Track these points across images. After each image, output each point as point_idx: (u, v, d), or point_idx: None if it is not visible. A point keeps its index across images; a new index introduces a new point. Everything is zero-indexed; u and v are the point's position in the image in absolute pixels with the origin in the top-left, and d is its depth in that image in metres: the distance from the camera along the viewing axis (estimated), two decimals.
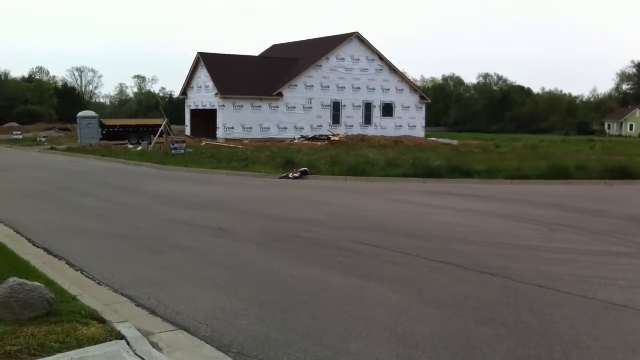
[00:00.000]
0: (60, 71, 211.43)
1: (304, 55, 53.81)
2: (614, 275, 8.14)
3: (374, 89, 54.00)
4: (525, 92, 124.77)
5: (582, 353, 5.42)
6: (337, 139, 45.26)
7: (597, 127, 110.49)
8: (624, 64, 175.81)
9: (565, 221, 12.73)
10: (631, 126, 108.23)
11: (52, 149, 41.15)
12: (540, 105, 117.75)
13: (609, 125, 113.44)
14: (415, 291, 7.40)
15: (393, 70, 55.08)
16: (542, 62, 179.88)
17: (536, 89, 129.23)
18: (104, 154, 34.03)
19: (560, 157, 28.98)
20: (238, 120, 49.29)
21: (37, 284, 6.03)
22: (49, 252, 9.30)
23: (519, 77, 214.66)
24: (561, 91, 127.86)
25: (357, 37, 53.29)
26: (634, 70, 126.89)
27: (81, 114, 47.56)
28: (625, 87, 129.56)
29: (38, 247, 9.67)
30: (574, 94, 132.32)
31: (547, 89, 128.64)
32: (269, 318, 6.35)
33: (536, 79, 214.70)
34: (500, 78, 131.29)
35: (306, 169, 22.48)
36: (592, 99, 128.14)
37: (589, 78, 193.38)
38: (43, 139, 51.75)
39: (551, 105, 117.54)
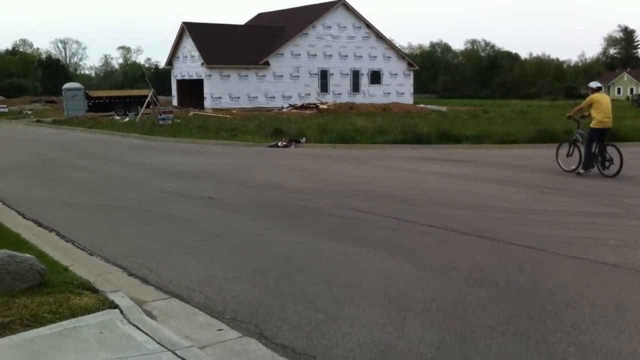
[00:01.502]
0: (44, 43, 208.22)
1: (290, 24, 53.33)
2: (604, 236, 8.19)
3: (361, 57, 53.72)
4: (512, 58, 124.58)
5: (573, 311, 5.47)
6: (325, 107, 45.09)
7: (585, 92, 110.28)
8: (611, 28, 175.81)
9: (554, 184, 12.78)
10: (619, 89, 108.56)
11: (38, 121, 40.78)
12: (528, 71, 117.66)
13: None
14: (407, 255, 7.42)
15: (380, 37, 54.77)
16: (529, 27, 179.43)
17: (524, 54, 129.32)
18: (91, 126, 33.76)
19: (549, 121, 28.99)
20: (225, 90, 48.97)
21: (27, 255, 6.00)
22: (39, 224, 9.25)
23: (506, 42, 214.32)
24: (549, 56, 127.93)
25: (343, 4, 52.82)
26: (621, 34, 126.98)
27: (66, 85, 47.05)
28: (612, 51, 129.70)
29: (28, 219, 9.62)
30: (562, 58, 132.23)
31: (534, 54, 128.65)
32: (261, 284, 6.36)
33: (524, 45, 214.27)
34: (487, 44, 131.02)
35: (298, 138, 22.44)
36: (579, 64, 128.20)
37: (577, 43, 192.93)
38: (29, 112, 51.27)
39: (539, 70, 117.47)
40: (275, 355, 4.72)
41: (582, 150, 14.33)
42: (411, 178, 14.18)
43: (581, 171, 14.22)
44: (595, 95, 14.30)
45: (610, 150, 13.94)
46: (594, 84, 14.71)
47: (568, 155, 14.82)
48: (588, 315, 5.38)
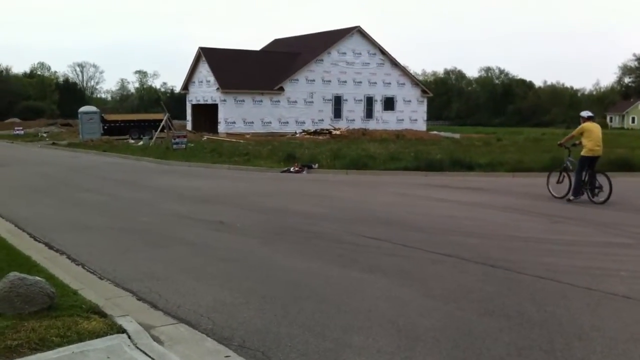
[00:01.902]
0: (61, 66, 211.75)
1: (305, 50, 53.76)
2: (615, 267, 8.12)
3: (375, 83, 53.98)
4: (527, 86, 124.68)
5: (584, 343, 5.40)
6: (338, 132, 45.22)
7: (599, 120, 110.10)
8: (626, 56, 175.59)
9: (566, 213, 12.71)
10: (633, 119, 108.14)
11: (53, 144, 41.17)
12: (542, 99, 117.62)
13: (611, 118, 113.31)
14: (417, 283, 7.38)
15: (394, 64, 55.03)
16: (544, 55, 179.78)
17: (538, 82, 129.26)
18: (105, 149, 34.03)
19: (563, 150, 28.88)
20: (239, 115, 49.28)
21: (37, 278, 6.02)
22: (50, 247, 9.29)
23: (520, 70, 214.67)
24: (563, 84, 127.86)
25: (358, 31, 53.24)
26: (636, 63, 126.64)
27: (82, 109, 47.55)
28: (627, 80, 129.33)
29: (39, 242, 9.67)
30: (576, 87, 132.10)
31: (549, 82, 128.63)
32: (270, 311, 6.34)
33: (538, 73, 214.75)
34: (502, 71, 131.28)
35: (310, 163, 22.48)
36: (594, 92, 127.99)
37: (591, 71, 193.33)
38: (44, 134, 51.81)
39: (553, 98, 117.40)
40: None
41: (572, 177, 14.69)
42: (423, 205, 14.14)
43: (571, 197, 14.55)
44: (587, 124, 14.63)
45: (600, 178, 14.30)
46: (585, 113, 15.01)
47: (558, 182, 15.21)
48: (599, 348, 5.31)
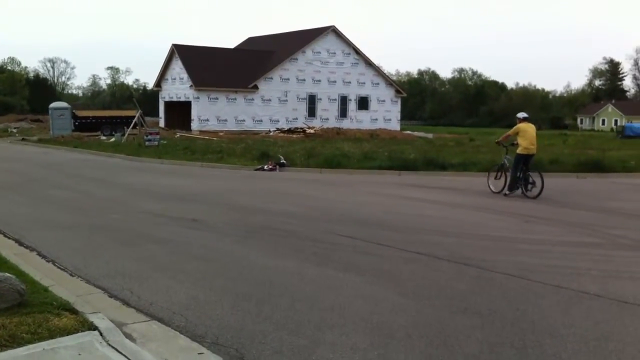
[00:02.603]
0: (32, 62, 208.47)
1: (279, 48, 53.67)
2: (587, 266, 8.23)
3: (350, 82, 54.07)
4: (499, 87, 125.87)
5: (556, 341, 5.47)
6: (312, 131, 45.22)
7: (570, 122, 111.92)
8: (597, 59, 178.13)
9: (538, 213, 12.85)
10: (603, 121, 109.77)
11: (23, 139, 40.55)
12: (514, 100, 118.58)
13: (582, 120, 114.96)
14: (391, 282, 7.41)
15: (369, 64, 55.18)
16: (516, 57, 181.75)
17: (510, 84, 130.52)
18: (76, 145, 33.62)
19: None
20: (213, 113, 49.04)
21: (7, 274, 5.93)
22: (20, 244, 9.15)
23: (493, 72, 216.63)
24: (535, 86, 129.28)
25: (333, 30, 53.28)
26: (606, 66, 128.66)
27: (53, 104, 46.89)
28: (597, 82, 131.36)
29: (9, 238, 9.51)
30: (547, 89, 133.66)
31: (521, 84, 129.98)
32: (244, 308, 6.31)
33: (510, 74, 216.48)
34: (474, 73, 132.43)
35: (283, 160, 22.40)
36: (565, 94, 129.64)
37: (563, 74, 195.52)
38: (14, 130, 50.99)
39: (525, 100, 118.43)
40: None
41: (509, 174, 15.72)
42: (396, 204, 14.20)
43: (507, 192, 15.59)
44: (522, 125, 15.68)
45: (534, 175, 15.36)
46: (521, 115, 16.05)
47: (496, 178, 16.27)
48: (571, 345, 5.38)
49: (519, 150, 15.49)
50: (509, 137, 16.27)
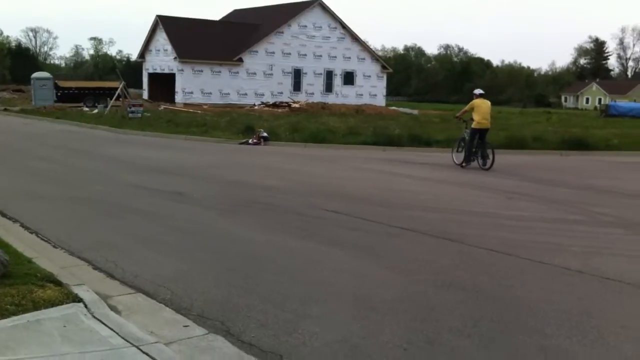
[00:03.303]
0: (14, 31, 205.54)
1: (265, 21, 53.18)
2: (569, 242, 8.31)
3: (335, 57, 53.79)
4: (485, 64, 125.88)
5: (538, 316, 5.52)
6: (297, 106, 45.02)
7: (554, 100, 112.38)
8: (582, 38, 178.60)
9: (521, 190, 12.93)
10: (587, 99, 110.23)
11: (5, 110, 40.01)
12: (499, 77, 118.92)
13: (566, 98, 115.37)
14: (375, 256, 7.44)
15: (355, 39, 54.90)
16: (502, 35, 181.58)
17: (495, 62, 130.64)
18: (59, 116, 33.21)
19: (518, 127, 29.34)
20: (197, 85, 48.65)
21: None
22: (3, 215, 9.06)
23: (479, 49, 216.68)
24: (520, 64, 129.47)
25: (319, 4, 52.84)
26: (591, 45, 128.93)
27: (35, 74, 46.25)
28: (582, 61, 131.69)
29: None
30: (533, 67, 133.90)
31: (506, 62, 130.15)
32: (229, 282, 6.32)
33: (496, 52, 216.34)
34: (460, 49, 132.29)
35: (266, 134, 22.27)
36: (550, 73, 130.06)
37: (548, 52, 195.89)
38: None
39: (510, 78, 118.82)
40: (241, 353, 4.69)
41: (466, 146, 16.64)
42: (381, 180, 14.22)
43: (463, 164, 16.52)
44: (477, 100, 16.54)
45: (487, 147, 16.27)
46: (477, 91, 16.98)
47: (458, 151, 17.21)
48: (553, 321, 5.44)
49: (473, 125, 16.32)
50: (465, 112, 17.12)
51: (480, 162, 16.25)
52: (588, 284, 6.54)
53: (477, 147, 16.30)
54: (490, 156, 16.06)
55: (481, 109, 16.31)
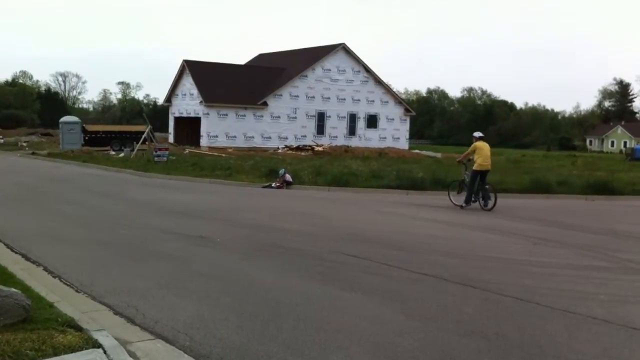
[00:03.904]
0: (43, 76, 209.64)
1: (289, 65, 53.87)
2: (594, 290, 8.16)
3: (359, 100, 54.16)
4: (508, 107, 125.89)
5: None
6: (320, 149, 45.25)
7: (579, 143, 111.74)
8: (607, 80, 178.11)
9: (546, 235, 12.78)
10: (612, 142, 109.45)
11: (33, 153, 40.76)
12: (523, 120, 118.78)
13: (590, 141, 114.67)
14: (397, 303, 7.36)
15: (378, 82, 55.29)
16: (526, 77, 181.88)
17: (519, 104, 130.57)
18: (86, 160, 33.77)
19: (542, 171, 29.16)
20: (222, 129, 49.18)
21: (13, 290, 5.93)
22: (27, 258, 9.16)
23: (502, 91, 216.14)
24: (544, 106, 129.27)
25: (343, 48, 53.46)
26: (616, 87, 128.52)
27: (63, 119, 47.21)
28: (607, 104, 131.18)
29: (16, 253, 9.53)
30: (557, 109, 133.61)
31: (530, 104, 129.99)
32: (249, 328, 6.28)
33: (520, 94, 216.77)
34: (484, 92, 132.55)
35: (290, 178, 22.31)
36: (574, 115, 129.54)
37: (572, 94, 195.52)
38: (24, 144, 51.30)
39: (534, 120, 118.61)
40: None
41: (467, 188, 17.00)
42: (404, 224, 14.16)
43: (464, 205, 16.87)
44: (478, 143, 17.00)
45: (489, 189, 16.71)
46: (477, 134, 17.38)
47: (458, 192, 17.60)
48: None
49: (474, 167, 16.78)
50: (467, 154, 17.46)
51: (481, 202, 16.63)
52: (614, 334, 6.39)
53: (479, 188, 16.69)
54: (492, 197, 16.49)
55: (482, 151, 16.77)
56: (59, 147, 44.18)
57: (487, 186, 16.78)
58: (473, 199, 16.77)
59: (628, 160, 50.81)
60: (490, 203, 16.45)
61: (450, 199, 17.60)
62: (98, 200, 17.38)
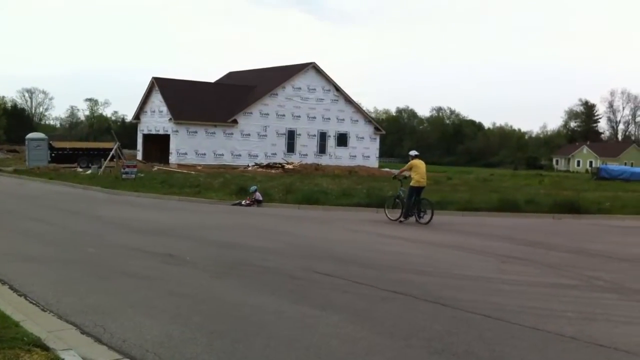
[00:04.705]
0: (10, 92, 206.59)
1: (260, 83, 53.98)
2: (563, 307, 8.24)
3: (329, 119, 54.42)
4: (476, 126, 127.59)
5: None
6: (291, 167, 45.29)
7: (546, 162, 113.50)
8: (573, 101, 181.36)
9: (515, 253, 12.90)
10: (578, 162, 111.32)
11: None
12: (491, 140, 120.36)
13: (557, 161, 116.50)
14: (368, 321, 7.35)
15: (348, 100, 55.64)
16: (493, 97, 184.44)
17: (487, 124, 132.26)
18: (52, 177, 33.30)
19: (510, 190, 29.50)
20: (191, 146, 48.98)
21: None
22: None
23: (470, 111, 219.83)
24: (511, 126, 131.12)
25: (313, 67, 53.76)
26: (582, 108, 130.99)
27: (30, 135, 46.61)
28: (573, 124, 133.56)
29: None
30: (524, 129, 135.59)
31: (497, 124, 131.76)
32: (219, 347, 6.22)
33: (487, 114, 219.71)
34: (452, 112, 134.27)
35: (260, 196, 22.17)
36: (541, 135, 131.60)
37: (539, 115, 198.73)
38: None
39: (502, 140, 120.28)
40: None
41: (404, 203, 17.88)
42: (374, 242, 14.18)
43: (402, 219, 17.74)
44: (415, 161, 18.04)
45: (425, 205, 17.70)
46: (413, 152, 18.53)
47: (394, 207, 18.47)
48: None
49: (412, 183, 17.73)
50: (403, 171, 18.65)
51: (417, 217, 17.53)
52: (582, 351, 6.46)
53: (415, 203, 17.56)
54: (429, 212, 17.42)
55: (419, 168, 17.84)
56: (25, 163, 43.56)
57: (423, 200, 17.74)
58: (410, 213, 17.59)
59: (594, 179, 51.69)
60: (427, 217, 17.39)
61: (386, 215, 18.34)
62: (65, 218, 17.13)
